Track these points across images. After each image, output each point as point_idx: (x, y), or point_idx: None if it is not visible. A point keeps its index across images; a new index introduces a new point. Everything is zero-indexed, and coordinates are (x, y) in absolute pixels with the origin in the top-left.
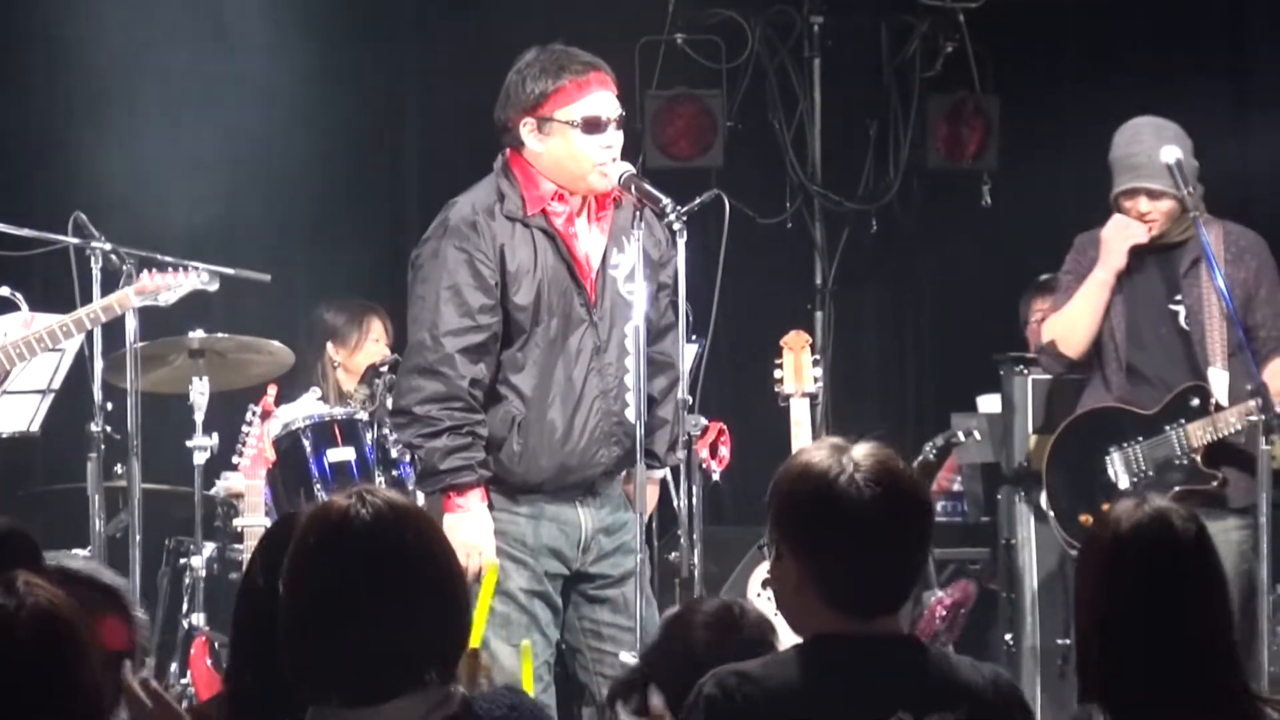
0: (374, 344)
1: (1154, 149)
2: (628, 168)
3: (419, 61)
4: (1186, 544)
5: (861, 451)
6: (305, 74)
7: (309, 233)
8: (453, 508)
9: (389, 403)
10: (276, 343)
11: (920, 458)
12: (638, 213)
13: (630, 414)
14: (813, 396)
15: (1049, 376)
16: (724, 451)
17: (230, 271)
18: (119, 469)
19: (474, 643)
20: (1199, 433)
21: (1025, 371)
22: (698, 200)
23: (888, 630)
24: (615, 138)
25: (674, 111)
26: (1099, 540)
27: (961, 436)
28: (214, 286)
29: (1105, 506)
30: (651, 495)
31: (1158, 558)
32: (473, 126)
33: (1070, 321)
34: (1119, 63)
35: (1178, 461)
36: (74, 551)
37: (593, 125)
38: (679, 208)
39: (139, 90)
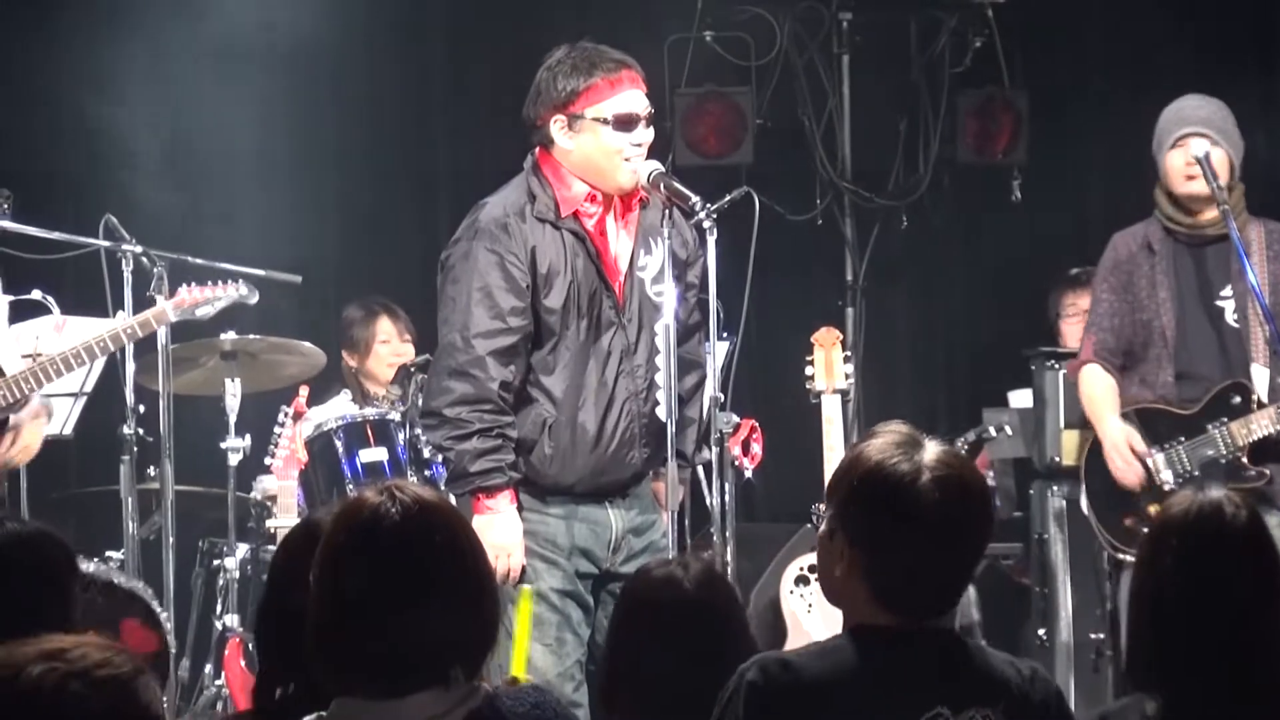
0: (382, 346)
1: (1206, 107)
2: (656, 166)
3: (449, 60)
4: (1235, 531)
5: (933, 454)
6: (336, 75)
7: (340, 234)
8: (482, 510)
9: (420, 403)
10: (308, 344)
11: None
12: (667, 211)
13: (661, 413)
14: (844, 393)
15: None
16: (756, 449)
17: (262, 273)
18: (152, 471)
19: (517, 671)
20: (1242, 431)
21: (1056, 366)
22: (727, 198)
23: (930, 625)
24: (645, 135)
25: (703, 109)
26: (1152, 527)
27: (993, 431)
28: (253, 299)
29: (1152, 508)
30: (677, 495)
31: (1203, 543)
32: (502, 125)
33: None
34: (1147, 56)
35: (1223, 460)
36: (106, 557)
37: (624, 122)
38: (709, 205)
39: (171, 94)
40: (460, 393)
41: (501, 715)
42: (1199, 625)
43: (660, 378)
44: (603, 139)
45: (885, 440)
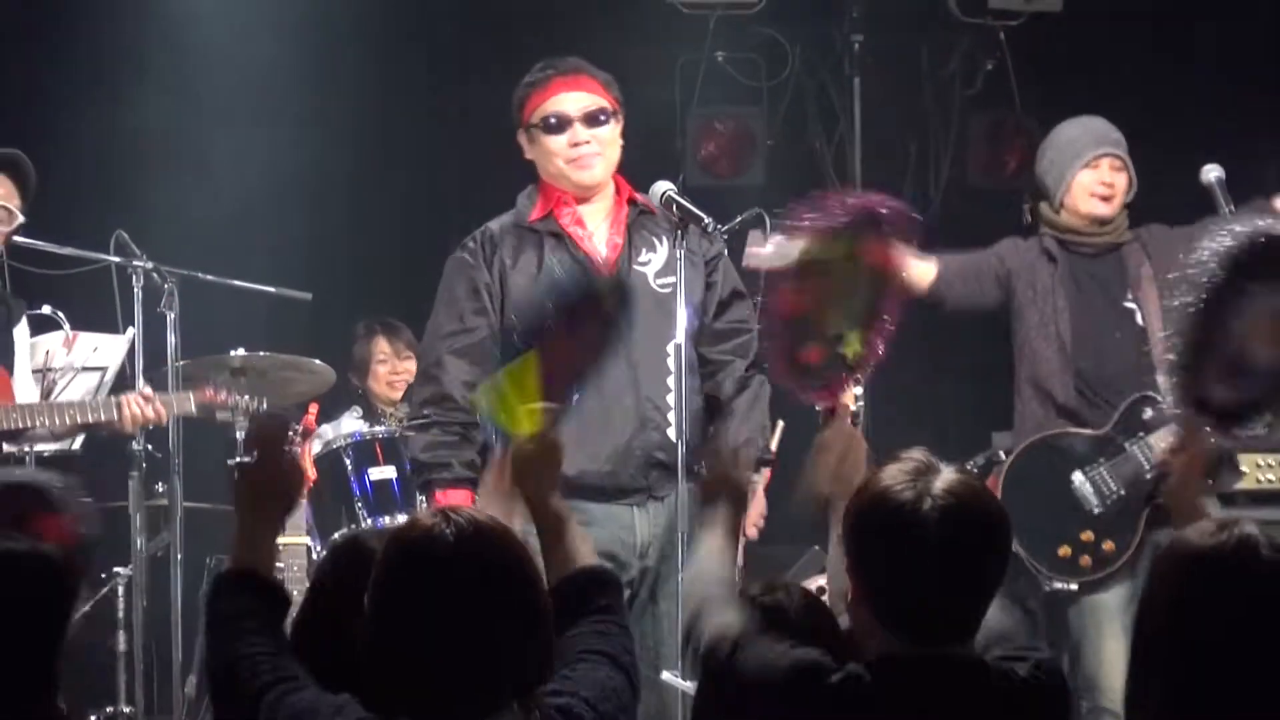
0: (380, 365)
1: (1115, 130)
2: (669, 186)
3: (458, 84)
4: (1267, 574)
5: (943, 483)
6: (347, 94)
7: (351, 251)
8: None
9: None
10: (318, 361)
11: None
12: (680, 232)
13: (671, 432)
14: (853, 415)
15: None
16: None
17: (272, 290)
18: (160, 487)
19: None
20: (1163, 443)
21: None
22: (739, 218)
23: (951, 653)
24: (585, 133)
25: (715, 130)
26: (1175, 556)
27: (1003, 455)
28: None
29: (1085, 535)
30: (755, 508)
31: (1245, 586)
32: (510, 146)
33: None
34: (1159, 82)
35: (1148, 475)
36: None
37: (554, 124)
38: (720, 226)
39: (181, 110)
40: (427, 393)
41: None
42: (1232, 667)
43: (671, 398)
44: (541, 143)
45: (897, 467)
